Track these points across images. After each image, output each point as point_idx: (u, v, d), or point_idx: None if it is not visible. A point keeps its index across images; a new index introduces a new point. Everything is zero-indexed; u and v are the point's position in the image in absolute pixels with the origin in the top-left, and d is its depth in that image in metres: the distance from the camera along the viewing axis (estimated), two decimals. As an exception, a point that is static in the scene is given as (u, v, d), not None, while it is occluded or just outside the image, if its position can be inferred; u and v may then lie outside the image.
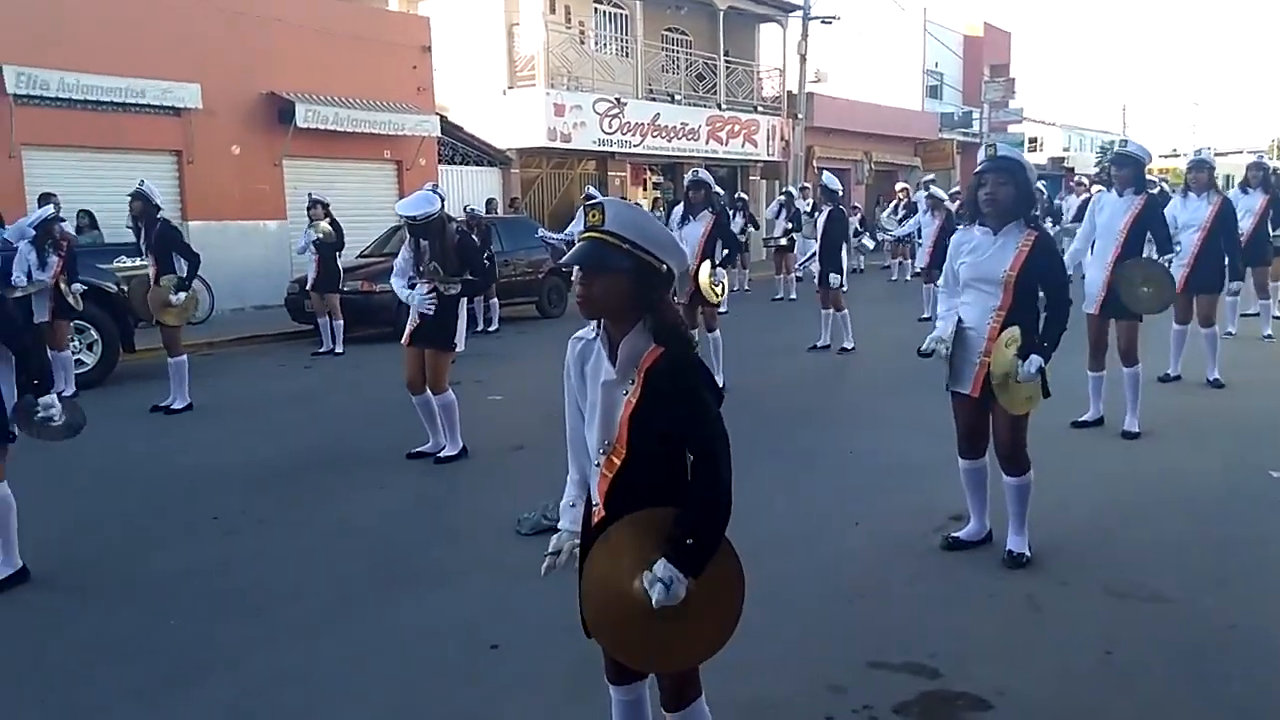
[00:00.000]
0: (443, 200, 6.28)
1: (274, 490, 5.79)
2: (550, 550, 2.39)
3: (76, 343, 8.98)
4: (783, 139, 25.68)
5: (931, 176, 19.76)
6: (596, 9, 22.22)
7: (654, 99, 22.50)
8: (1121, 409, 6.48)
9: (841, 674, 3.31)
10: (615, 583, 2.12)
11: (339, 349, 11.15)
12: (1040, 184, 9.68)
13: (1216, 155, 13.10)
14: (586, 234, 2.16)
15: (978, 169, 4.27)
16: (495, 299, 12.92)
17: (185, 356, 8.12)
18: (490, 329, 12.67)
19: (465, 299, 6.31)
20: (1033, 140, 44.33)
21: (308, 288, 11.32)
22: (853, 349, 10.24)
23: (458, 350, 6.30)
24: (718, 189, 8.63)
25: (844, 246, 10.53)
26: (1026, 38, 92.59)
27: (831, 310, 10.44)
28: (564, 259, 2.22)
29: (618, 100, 20.94)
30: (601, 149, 21.12)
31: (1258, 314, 10.73)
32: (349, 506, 5.42)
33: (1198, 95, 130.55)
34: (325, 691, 3.35)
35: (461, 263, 6.17)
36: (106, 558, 4.72)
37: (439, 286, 6.05)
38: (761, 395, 7.99)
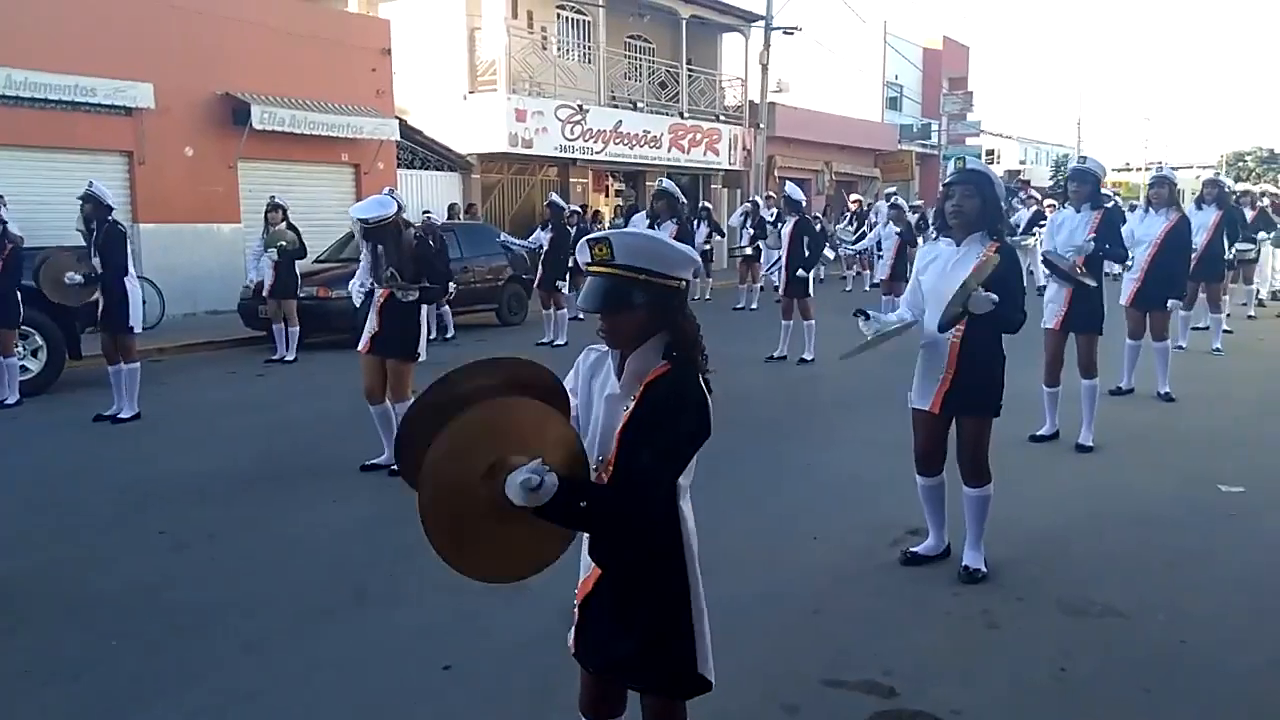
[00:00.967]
0: (400, 206, 6.21)
1: (224, 503, 5.66)
2: None
3: (21, 348, 8.74)
4: (744, 148, 25.80)
5: (893, 188, 19.99)
6: (559, 14, 22.17)
7: (616, 106, 22.50)
8: (1076, 424, 6.57)
9: (796, 693, 3.30)
10: (462, 472, 1.94)
11: (290, 356, 10.96)
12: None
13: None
14: (596, 269, 2.09)
15: (946, 181, 4.29)
16: (447, 306, 12.77)
17: (139, 364, 7.92)
18: (447, 336, 12.54)
19: (425, 306, 6.24)
20: (990, 153, 45.01)
21: (264, 293, 11.12)
22: (812, 360, 10.28)
23: (420, 359, 6.23)
24: (682, 199, 8.66)
25: (820, 249, 10.77)
26: (985, 52, 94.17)
27: (793, 320, 10.48)
28: (580, 301, 2.15)
29: (580, 107, 20.90)
30: (563, 155, 21.05)
31: (1208, 327, 10.95)
32: (302, 520, 5.31)
33: (1149, 110, 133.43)
34: (276, 713, 3.27)
35: (419, 269, 6.10)
36: (47, 574, 4.58)
37: (395, 293, 5.97)
38: (721, 405, 7.95)
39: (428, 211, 13.87)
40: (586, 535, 2.19)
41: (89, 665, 3.61)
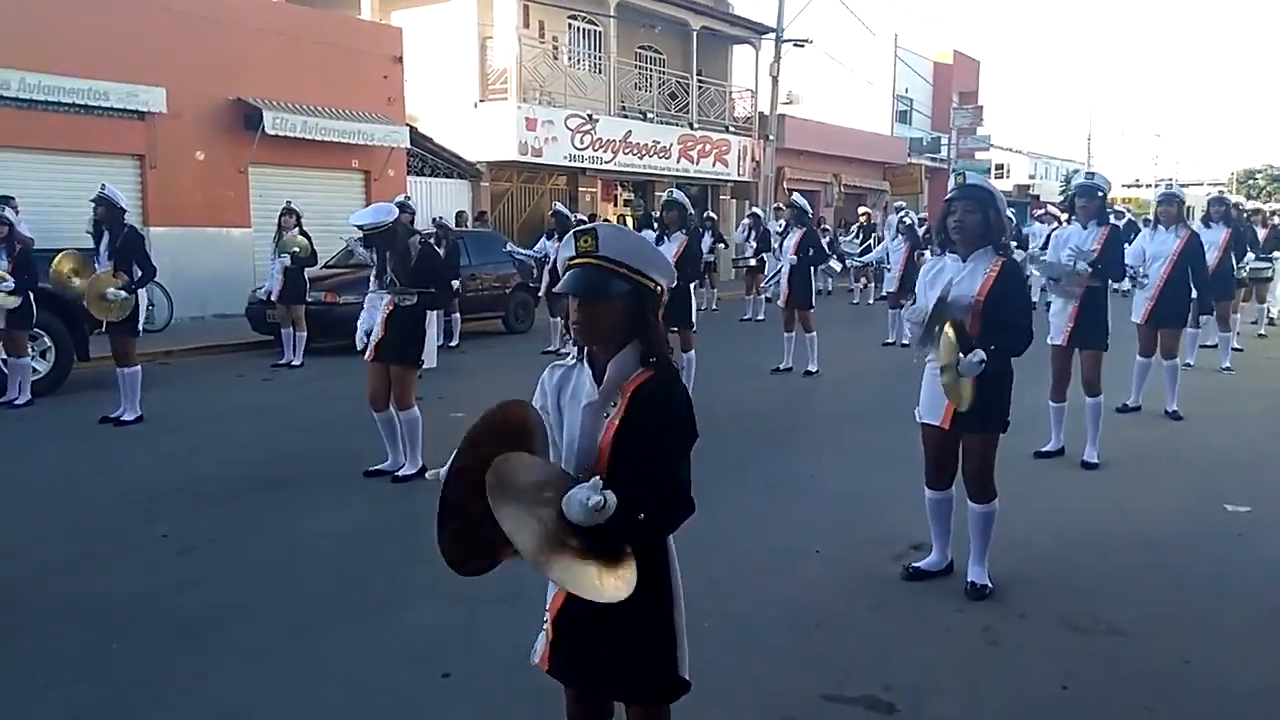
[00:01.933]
0: (412, 213, 6.25)
1: (227, 507, 5.66)
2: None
3: (30, 349, 8.77)
4: (754, 159, 25.83)
5: (902, 202, 19.99)
6: (570, 24, 22.25)
7: (626, 116, 22.55)
8: (1082, 440, 6.54)
9: (796, 708, 3.28)
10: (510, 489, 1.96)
11: (297, 361, 10.99)
12: (1009, 211, 9.84)
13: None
14: (579, 260, 2.12)
15: (947, 197, 4.30)
16: (457, 313, 12.81)
17: (139, 367, 7.95)
18: (452, 344, 12.56)
19: (431, 313, 6.26)
20: (999, 167, 45.02)
21: (273, 299, 11.16)
22: (817, 372, 10.26)
23: (427, 367, 6.24)
24: (691, 210, 8.69)
25: (823, 260, 10.79)
26: (995, 66, 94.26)
27: (795, 333, 10.46)
28: (558, 286, 2.17)
29: (590, 116, 20.95)
30: (573, 164, 21.10)
31: (1215, 345, 10.91)
32: (305, 525, 5.31)
33: (1160, 127, 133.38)
34: (273, 720, 3.26)
35: (421, 276, 6.11)
36: (50, 576, 4.58)
37: (395, 299, 6.00)
38: (726, 418, 7.96)
39: (440, 216, 13.87)
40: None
41: (90, 669, 3.61)
